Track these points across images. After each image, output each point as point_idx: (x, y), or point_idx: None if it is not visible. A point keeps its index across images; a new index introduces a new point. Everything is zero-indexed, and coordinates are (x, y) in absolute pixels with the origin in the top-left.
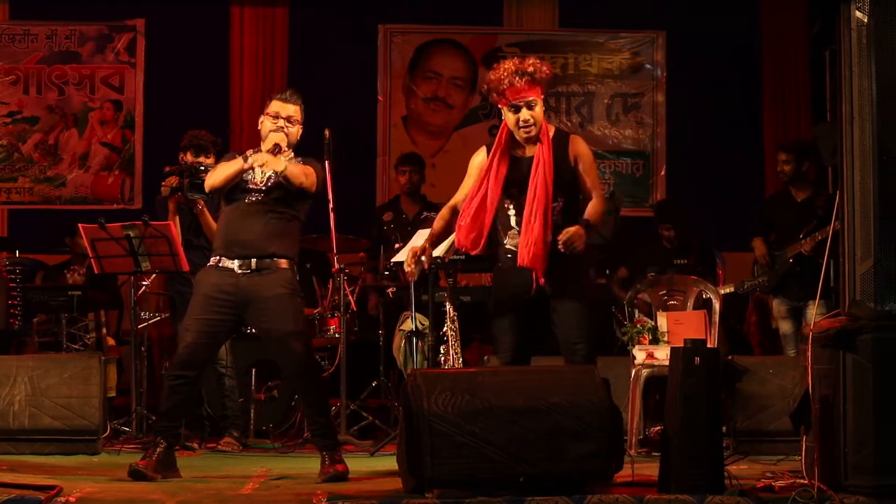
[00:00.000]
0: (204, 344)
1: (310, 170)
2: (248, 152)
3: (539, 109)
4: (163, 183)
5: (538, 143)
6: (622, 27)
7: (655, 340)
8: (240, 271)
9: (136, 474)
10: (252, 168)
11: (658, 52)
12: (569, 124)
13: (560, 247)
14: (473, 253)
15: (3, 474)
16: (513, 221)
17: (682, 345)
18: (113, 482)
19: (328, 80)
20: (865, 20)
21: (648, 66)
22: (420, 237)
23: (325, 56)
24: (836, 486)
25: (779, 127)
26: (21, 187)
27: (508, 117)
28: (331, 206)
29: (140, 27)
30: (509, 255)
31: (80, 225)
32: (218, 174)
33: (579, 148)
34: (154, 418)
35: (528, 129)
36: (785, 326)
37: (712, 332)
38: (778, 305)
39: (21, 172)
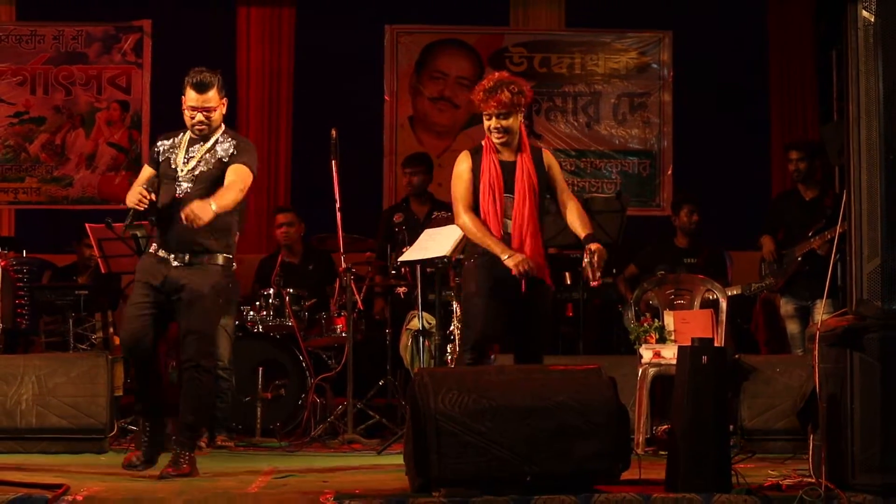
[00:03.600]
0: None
1: (241, 174)
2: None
3: (512, 121)
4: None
5: (519, 152)
6: (629, 27)
7: (662, 339)
8: (175, 263)
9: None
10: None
11: (664, 51)
12: (575, 124)
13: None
14: None
15: (10, 473)
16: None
17: (689, 344)
18: (120, 481)
19: (335, 80)
20: (872, 19)
21: (655, 65)
22: (427, 237)
23: (331, 56)
24: (843, 485)
25: (785, 126)
26: (28, 187)
27: (484, 122)
28: (337, 205)
29: (147, 28)
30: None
31: (87, 225)
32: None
33: (551, 159)
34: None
35: (500, 137)
36: (792, 325)
37: (719, 331)
38: (785, 304)
39: (28, 172)
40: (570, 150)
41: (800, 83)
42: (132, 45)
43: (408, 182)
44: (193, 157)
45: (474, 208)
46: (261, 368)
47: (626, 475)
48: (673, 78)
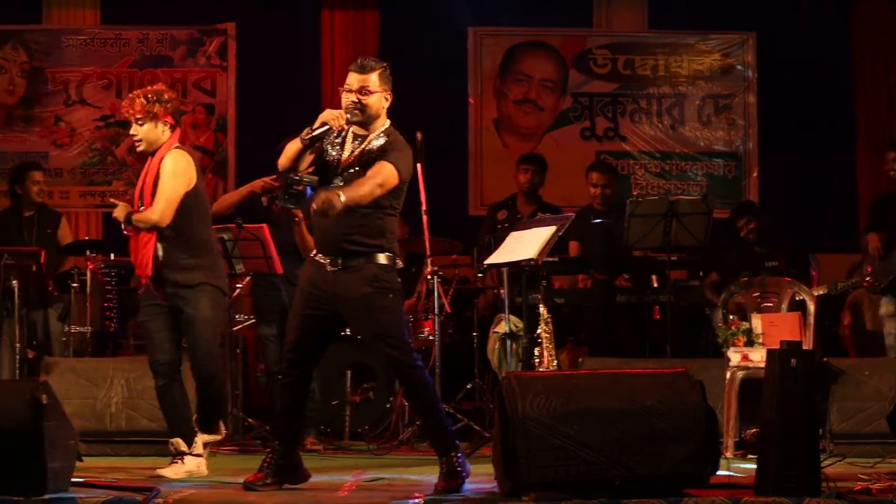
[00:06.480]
0: (307, 340)
1: (383, 170)
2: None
3: (144, 127)
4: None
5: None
6: (712, 28)
7: (750, 342)
8: (330, 269)
9: (248, 488)
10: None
11: (748, 53)
12: (660, 126)
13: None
14: None
15: (101, 475)
16: None
17: (777, 346)
18: (209, 485)
19: (418, 82)
20: None
21: (739, 67)
22: (514, 240)
23: (415, 59)
24: None
25: (871, 127)
26: (115, 191)
27: None
28: (423, 208)
29: (231, 31)
30: None
31: None
32: (283, 156)
33: (164, 163)
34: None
35: (137, 144)
36: (891, 325)
37: (807, 333)
38: (886, 304)
39: (115, 176)
40: (654, 153)
41: (886, 83)
42: (217, 48)
43: (528, 180)
44: (351, 152)
45: None
46: (349, 372)
47: (715, 479)
48: (757, 79)
